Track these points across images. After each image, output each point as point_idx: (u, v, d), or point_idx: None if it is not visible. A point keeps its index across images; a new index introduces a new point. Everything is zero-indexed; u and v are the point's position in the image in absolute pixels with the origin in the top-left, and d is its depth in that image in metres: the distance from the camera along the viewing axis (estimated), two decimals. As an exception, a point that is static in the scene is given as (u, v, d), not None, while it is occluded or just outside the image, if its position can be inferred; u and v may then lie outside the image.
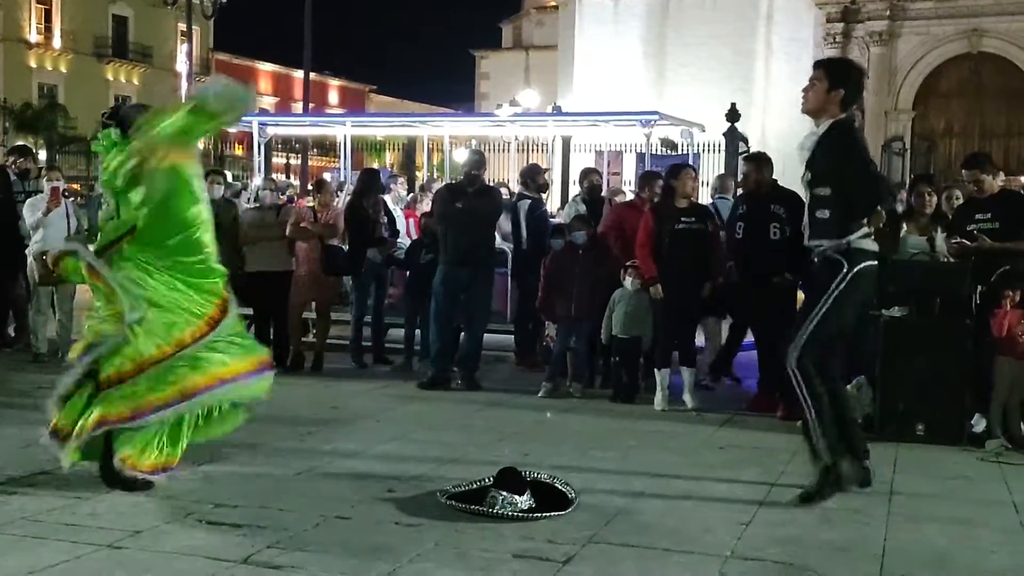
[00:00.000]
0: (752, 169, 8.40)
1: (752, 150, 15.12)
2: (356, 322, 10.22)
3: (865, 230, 5.51)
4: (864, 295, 5.78)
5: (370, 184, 10.39)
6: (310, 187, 13.72)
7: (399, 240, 10.79)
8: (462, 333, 9.54)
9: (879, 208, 5.57)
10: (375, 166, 19.11)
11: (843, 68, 5.84)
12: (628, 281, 8.52)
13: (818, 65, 5.73)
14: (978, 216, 7.55)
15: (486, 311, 9.33)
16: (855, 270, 5.47)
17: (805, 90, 5.63)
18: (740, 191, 10.60)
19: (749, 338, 9.66)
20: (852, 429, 5.64)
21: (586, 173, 10.50)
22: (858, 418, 7.14)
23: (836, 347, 5.93)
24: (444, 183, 12.00)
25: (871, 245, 5.56)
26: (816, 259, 5.61)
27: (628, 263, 8.63)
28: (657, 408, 8.16)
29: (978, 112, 34.79)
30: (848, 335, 6.28)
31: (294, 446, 6.57)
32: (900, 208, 8.55)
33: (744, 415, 8.03)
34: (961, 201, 8.17)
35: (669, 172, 8.70)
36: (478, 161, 9.38)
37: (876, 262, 5.62)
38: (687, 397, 8.27)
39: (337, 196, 12.66)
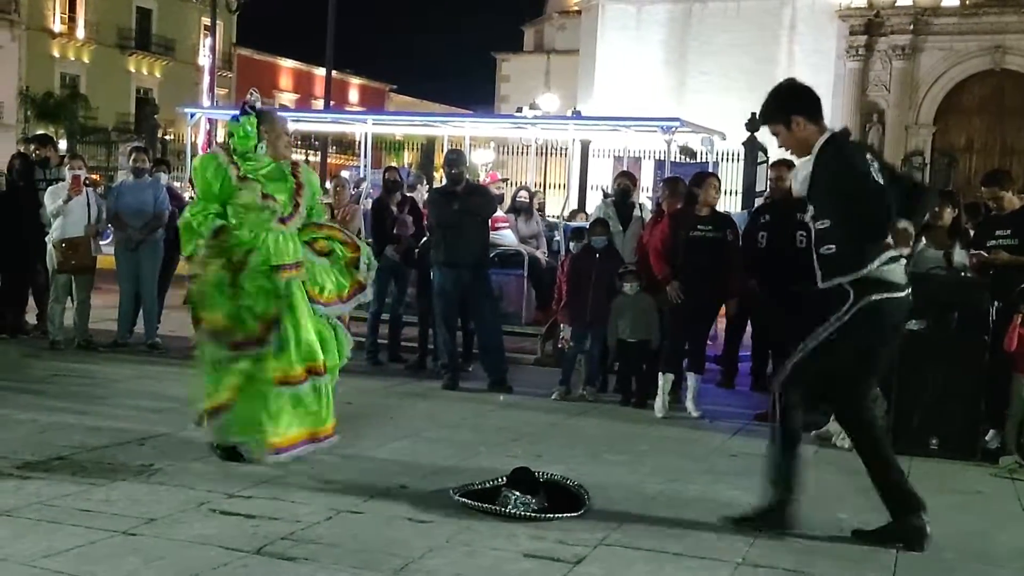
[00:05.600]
0: (784, 172, 8.42)
1: (771, 160, 15.10)
2: (373, 319, 10.23)
3: (890, 254, 4.82)
4: (875, 335, 4.94)
5: (389, 182, 10.45)
6: (327, 185, 13.77)
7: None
8: (474, 336, 9.60)
9: (898, 223, 4.83)
10: (393, 165, 19.12)
11: (778, 100, 5.14)
12: (627, 286, 8.55)
13: (763, 120, 5.21)
14: (998, 232, 7.55)
15: (497, 309, 9.39)
16: (860, 304, 4.79)
17: (780, 146, 5.18)
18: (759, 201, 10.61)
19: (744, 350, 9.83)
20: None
21: (619, 176, 10.51)
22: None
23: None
24: (433, 187, 12.05)
25: (896, 275, 4.86)
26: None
27: (621, 269, 8.66)
28: (657, 414, 8.15)
29: (999, 129, 34.73)
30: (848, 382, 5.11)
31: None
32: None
33: (756, 425, 8.01)
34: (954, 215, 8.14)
35: (693, 180, 8.71)
36: (457, 159, 9.39)
37: (900, 293, 4.87)
38: (690, 405, 8.27)
39: (356, 191, 12.69)
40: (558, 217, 13.78)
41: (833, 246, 4.84)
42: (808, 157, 4.99)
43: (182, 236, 6.17)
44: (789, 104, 5.07)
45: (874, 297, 4.80)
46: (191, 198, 10.68)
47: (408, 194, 10.58)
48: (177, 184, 15.47)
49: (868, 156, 4.97)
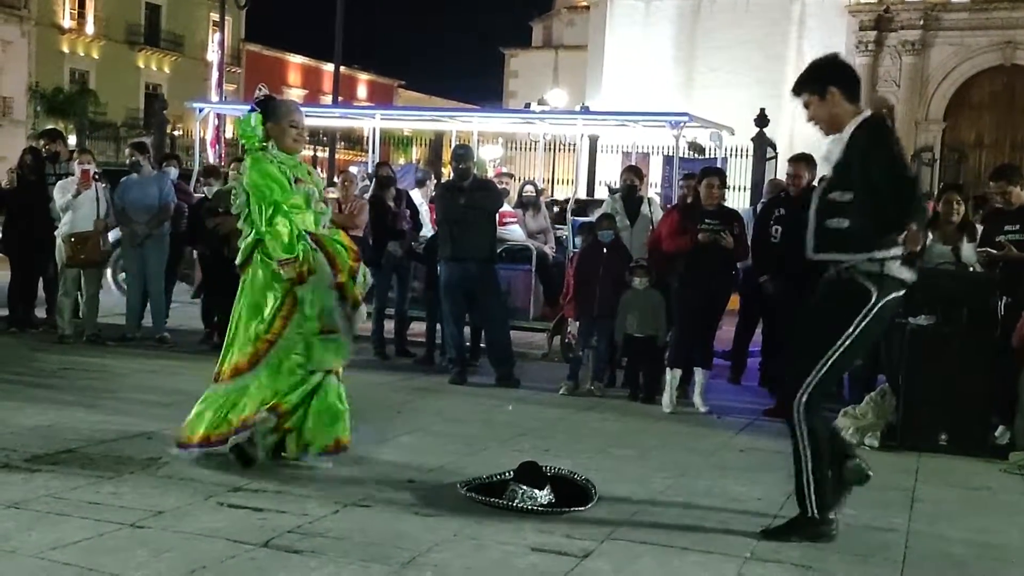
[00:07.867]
0: (802, 169, 8.43)
1: (780, 156, 15.08)
2: (377, 314, 10.24)
3: (898, 251, 4.63)
4: (884, 327, 4.89)
5: (383, 178, 10.45)
6: (336, 180, 13.78)
7: (424, 233, 10.82)
8: (482, 332, 9.60)
9: (913, 225, 4.60)
10: (402, 161, 19.16)
11: (817, 68, 4.93)
12: (636, 281, 8.55)
13: (795, 92, 4.94)
14: (1007, 227, 7.54)
15: (503, 304, 9.40)
16: (883, 303, 4.63)
17: (810, 119, 4.90)
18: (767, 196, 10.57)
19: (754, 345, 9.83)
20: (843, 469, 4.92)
21: (625, 171, 10.51)
22: (881, 425, 7.16)
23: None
24: (441, 182, 12.05)
25: (904, 272, 4.67)
26: (835, 275, 4.72)
27: (632, 264, 8.67)
28: (665, 409, 8.15)
29: (1009, 125, 34.62)
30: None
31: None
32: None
33: (764, 420, 8.00)
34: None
35: (698, 176, 8.77)
36: (465, 155, 9.37)
37: (902, 293, 4.72)
38: (697, 400, 8.27)
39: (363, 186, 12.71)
40: (567, 203, 13.75)
41: (847, 221, 4.59)
42: (838, 136, 4.76)
43: (278, 239, 5.64)
44: (828, 74, 4.85)
45: (894, 295, 4.65)
46: (205, 196, 10.72)
47: (406, 188, 10.57)
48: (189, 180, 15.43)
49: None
